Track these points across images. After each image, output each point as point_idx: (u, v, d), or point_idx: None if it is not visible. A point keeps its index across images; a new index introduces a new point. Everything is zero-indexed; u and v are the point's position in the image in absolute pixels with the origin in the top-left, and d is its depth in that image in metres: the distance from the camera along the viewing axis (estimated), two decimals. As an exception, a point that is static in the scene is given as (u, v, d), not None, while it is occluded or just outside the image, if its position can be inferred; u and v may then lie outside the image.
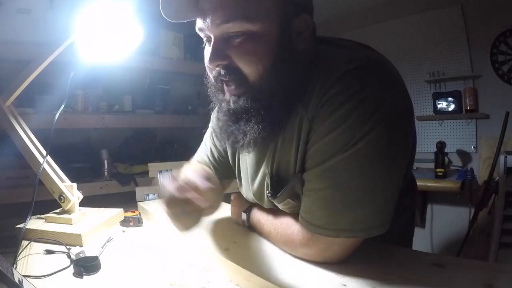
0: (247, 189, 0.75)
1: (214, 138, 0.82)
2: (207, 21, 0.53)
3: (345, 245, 0.54)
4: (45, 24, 1.66)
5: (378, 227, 0.52)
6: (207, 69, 0.61)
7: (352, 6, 2.45)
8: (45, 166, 0.88)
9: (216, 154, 0.83)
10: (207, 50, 0.57)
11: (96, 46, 0.83)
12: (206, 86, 0.64)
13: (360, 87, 0.50)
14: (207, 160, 0.85)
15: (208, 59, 0.55)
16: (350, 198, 0.51)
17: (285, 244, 0.62)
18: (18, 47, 1.62)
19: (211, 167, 0.83)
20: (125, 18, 0.75)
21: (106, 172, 2.07)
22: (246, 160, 0.72)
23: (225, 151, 0.81)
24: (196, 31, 0.58)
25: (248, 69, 0.54)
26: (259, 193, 0.70)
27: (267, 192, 0.64)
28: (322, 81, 0.53)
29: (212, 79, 0.60)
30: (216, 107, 0.65)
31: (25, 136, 0.91)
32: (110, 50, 0.87)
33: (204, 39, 0.58)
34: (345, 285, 0.49)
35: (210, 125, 0.84)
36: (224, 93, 0.59)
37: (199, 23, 0.56)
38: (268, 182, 0.64)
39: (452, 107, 2.15)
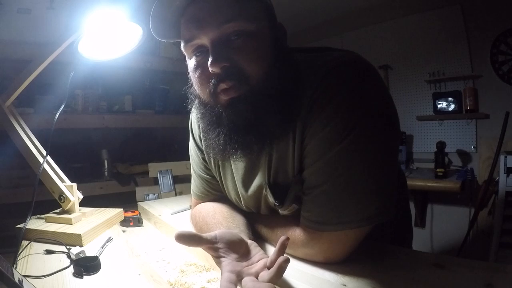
0: (236, 197, 0.73)
1: (197, 157, 0.78)
2: (203, 26, 0.52)
3: (347, 241, 0.54)
4: (45, 24, 1.66)
5: (381, 214, 0.52)
6: (195, 82, 0.58)
7: (352, 6, 2.45)
8: (45, 166, 0.88)
9: (212, 181, 0.77)
10: (194, 62, 0.56)
11: (96, 46, 0.83)
12: (191, 101, 0.62)
13: (346, 81, 0.53)
14: (206, 192, 0.79)
15: (210, 62, 0.51)
16: (350, 189, 0.52)
17: None
18: (18, 47, 1.62)
19: (214, 194, 0.79)
20: (125, 18, 0.75)
21: (106, 172, 2.07)
22: (232, 168, 0.69)
23: (207, 163, 0.76)
24: (181, 48, 0.57)
25: (252, 67, 0.53)
26: (254, 202, 0.69)
27: (275, 203, 0.62)
28: (309, 82, 0.54)
29: (204, 93, 0.56)
30: (204, 123, 0.61)
31: (25, 136, 0.91)
32: (110, 50, 0.87)
33: (191, 52, 0.56)
34: (345, 285, 0.49)
35: (191, 152, 0.80)
36: (219, 104, 0.55)
37: (188, 34, 0.54)
38: (269, 192, 0.62)
39: (452, 107, 2.15)
